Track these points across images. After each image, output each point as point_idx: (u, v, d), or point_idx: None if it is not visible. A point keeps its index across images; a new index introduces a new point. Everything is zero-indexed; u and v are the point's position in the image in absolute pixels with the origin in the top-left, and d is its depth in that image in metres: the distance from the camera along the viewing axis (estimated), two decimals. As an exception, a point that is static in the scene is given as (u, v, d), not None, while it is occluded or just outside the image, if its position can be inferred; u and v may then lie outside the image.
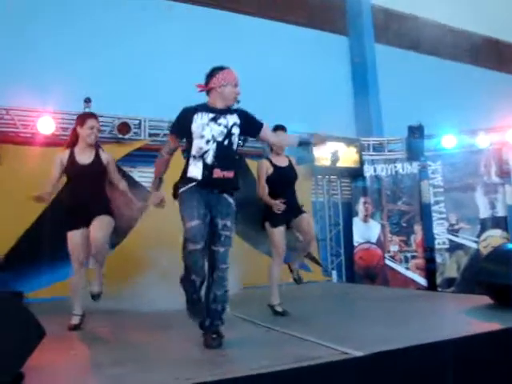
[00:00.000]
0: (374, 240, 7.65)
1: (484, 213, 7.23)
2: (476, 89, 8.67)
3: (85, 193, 3.62)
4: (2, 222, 5.46)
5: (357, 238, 7.67)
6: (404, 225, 7.59)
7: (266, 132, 3.23)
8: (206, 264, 2.90)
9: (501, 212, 7.13)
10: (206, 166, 2.92)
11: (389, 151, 7.90)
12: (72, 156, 3.68)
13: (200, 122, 2.96)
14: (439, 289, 7.21)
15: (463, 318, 3.56)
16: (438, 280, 7.31)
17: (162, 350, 2.84)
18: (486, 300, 4.03)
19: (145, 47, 6.95)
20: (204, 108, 3.04)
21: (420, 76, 8.78)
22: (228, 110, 3.06)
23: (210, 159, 2.92)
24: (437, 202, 7.46)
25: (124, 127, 6.11)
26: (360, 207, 7.71)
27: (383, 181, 7.72)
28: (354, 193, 7.81)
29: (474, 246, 7.15)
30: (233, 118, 3.05)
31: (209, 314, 2.89)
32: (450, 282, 7.21)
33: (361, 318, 3.81)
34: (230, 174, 2.98)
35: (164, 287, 4.52)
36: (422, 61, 9.34)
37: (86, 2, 6.84)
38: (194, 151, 2.95)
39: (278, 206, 3.91)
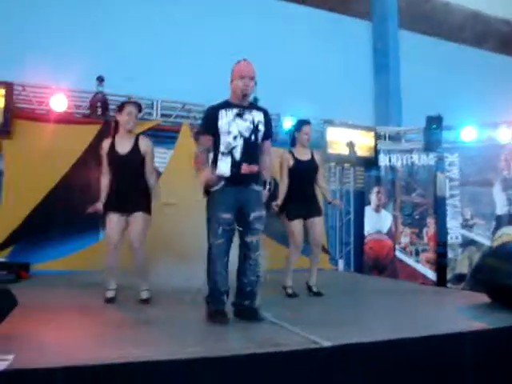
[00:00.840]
0: (385, 230, 7.53)
1: (501, 209, 6.99)
2: (501, 79, 8.31)
3: (124, 181, 3.72)
4: (14, 196, 5.65)
5: (368, 228, 7.56)
6: (417, 217, 7.43)
7: (267, 144, 3.27)
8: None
9: (518, 209, 6.89)
10: (234, 162, 3.04)
11: (405, 141, 7.71)
12: (112, 145, 3.78)
13: (226, 119, 3.06)
14: (449, 284, 7.06)
15: (452, 315, 3.49)
16: (449, 275, 7.15)
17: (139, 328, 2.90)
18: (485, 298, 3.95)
19: (160, 27, 6.95)
20: (227, 105, 3.12)
21: (443, 64, 8.49)
22: (254, 106, 3.20)
23: (238, 155, 3.04)
24: (452, 196, 7.25)
25: (135, 107, 6.15)
26: (373, 197, 7.59)
27: (398, 171, 7.55)
28: (367, 182, 7.68)
29: (487, 242, 6.93)
30: (259, 115, 3.15)
31: (239, 295, 3.12)
32: (460, 278, 7.03)
33: (352, 308, 3.77)
34: (255, 169, 3.10)
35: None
36: (446, 48, 9.01)
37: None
38: (222, 147, 3.06)
39: (273, 207, 4.00)
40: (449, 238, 7.23)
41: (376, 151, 7.50)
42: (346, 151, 7.38)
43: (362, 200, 7.64)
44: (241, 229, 3.09)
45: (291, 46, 7.81)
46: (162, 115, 6.54)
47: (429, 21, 8.67)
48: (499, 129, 6.97)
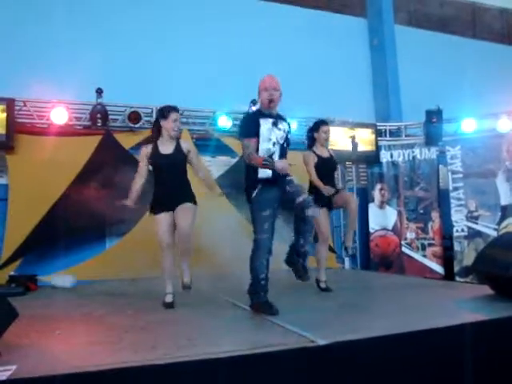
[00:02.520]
0: (390, 227, 7.53)
1: (505, 199, 6.97)
2: (499, 70, 8.26)
3: (169, 181, 3.83)
4: (19, 209, 5.73)
5: (373, 225, 7.57)
6: (421, 211, 7.42)
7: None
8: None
9: (524, 199, 6.86)
10: None
11: (406, 136, 7.70)
12: (155, 147, 3.88)
13: (266, 126, 3.42)
14: (457, 277, 7.04)
15: (452, 307, 3.49)
16: (456, 268, 7.13)
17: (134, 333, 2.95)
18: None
19: (157, 37, 7.02)
20: (262, 114, 3.50)
21: (440, 57, 8.46)
22: (282, 117, 3.57)
23: (276, 159, 3.38)
24: (455, 188, 7.24)
25: (135, 116, 6.25)
26: (376, 193, 7.59)
27: (400, 166, 7.55)
28: (370, 179, 7.68)
29: (493, 233, 6.90)
30: (286, 126, 3.56)
31: (295, 253, 3.52)
32: (468, 271, 6.99)
33: (353, 305, 3.78)
34: (288, 171, 3.43)
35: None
36: (442, 41, 8.98)
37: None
38: (262, 153, 3.39)
39: (328, 190, 4.30)
40: (454, 230, 7.22)
41: (377, 147, 7.50)
42: (347, 149, 7.38)
43: (365, 197, 7.64)
44: (288, 198, 3.40)
45: (288, 46, 7.84)
46: (162, 123, 6.59)
47: (424, 15, 8.65)
48: (500, 119, 6.93)
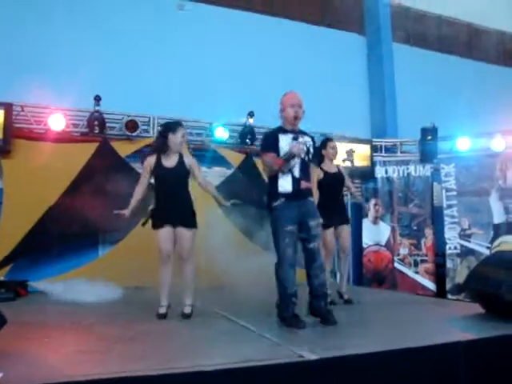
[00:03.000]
0: (383, 242, 7.55)
1: (498, 218, 7.01)
2: (494, 90, 8.37)
3: (170, 194, 3.88)
4: (12, 214, 5.71)
5: (366, 240, 7.59)
6: (414, 228, 7.45)
7: (312, 164, 3.79)
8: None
9: (516, 217, 6.90)
10: (294, 179, 3.49)
11: (401, 153, 7.76)
12: (159, 160, 3.94)
13: (285, 142, 3.51)
14: (449, 295, 7.04)
15: (442, 325, 3.50)
16: (448, 286, 7.14)
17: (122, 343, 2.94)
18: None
19: (156, 45, 7.07)
20: (282, 130, 3.61)
21: (437, 76, 8.57)
22: (304, 132, 3.67)
23: (297, 173, 3.51)
24: (449, 206, 7.28)
25: (132, 124, 6.27)
26: (370, 209, 7.62)
27: (395, 182, 7.60)
28: (365, 194, 7.72)
29: (486, 252, 6.93)
30: (309, 140, 3.64)
31: (315, 297, 3.51)
32: (460, 289, 6.99)
33: (344, 321, 3.77)
34: (310, 184, 3.63)
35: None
36: (440, 60, 9.10)
37: (98, 0, 7.02)
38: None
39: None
40: (447, 248, 7.25)
41: (372, 163, 7.55)
42: (342, 164, 7.42)
43: (359, 212, 7.66)
44: (303, 236, 3.51)
45: (287, 61, 7.92)
46: (159, 132, 6.62)
47: (422, 34, 8.77)
48: (494, 138, 7.01)
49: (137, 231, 6.07)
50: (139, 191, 4.00)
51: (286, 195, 3.47)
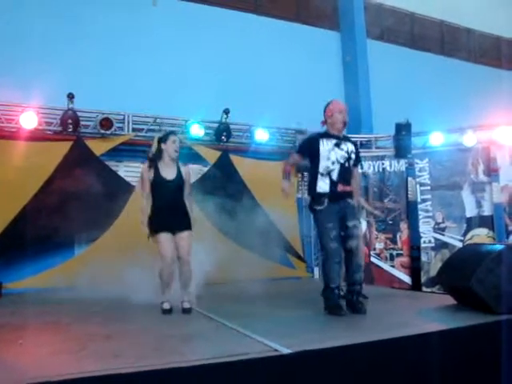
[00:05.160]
0: (360, 237, 7.62)
1: (470, 211, 7.16)
2: (466, 86, 8.56)
3: (170, 204, 4.07)
4: (-14, 214, 5.60)
5: (343, 235, 7.66)
6: (390, 222, 7.55)
7: (356, 170, 4.02)
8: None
9: (487, 211, 7.04)
10: (332, 182, 3.75)
11: (376, 148, 7.86)
12: (157, 171, 4.11)
13: (326, 147, 3.77)
14: (424, 287, 7.18)
15: (413, 317, 3.58)
16: (423, 279, 7.28)
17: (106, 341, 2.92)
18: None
19: (130, 42, 7.01)
20: (326, 135, 3.86)
21: (411, 72, 8.72)
22: (348, 139, 3.95)
23: (335, 176, 3.76)
24: (423, 200, 7.40)
25: (106, 122, 6.19)
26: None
27: (370, 178, 7.69)
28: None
29: (459, 244, 7.05)
30: (352, 146, 3.92)
31: (351, 292, 3.80)
32: (434, 281, 7.15)
33: (320, 315, 3.82)
34: (348, 188, 3.83)
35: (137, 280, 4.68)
36: (413, 57, 9.26)
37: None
38: (321, 169, 3.78)
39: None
40: (422, 241, 7.37)
41: (348, 159, 7.61)
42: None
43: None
44: (342, 235, 3.74)
45: (262, 58, 7.95)
46: (134, 129, 6.57)
47: (396, 31, 8.90)
48: (465, 134, 7.15)
49: (114, 229, 6.08)
50: (148, 205, 4.10)
51: (325, 195, 3.74)
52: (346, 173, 3.80)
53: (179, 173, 4.18)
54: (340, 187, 3.76)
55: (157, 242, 4.03)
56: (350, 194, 3.85)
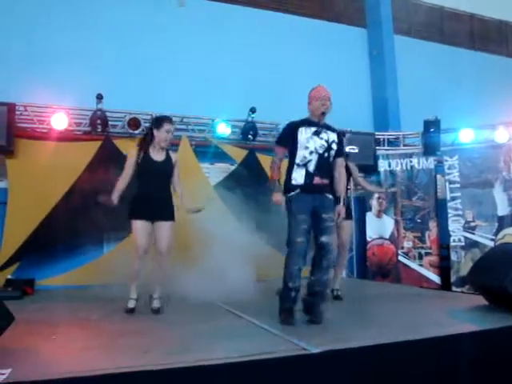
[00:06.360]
0: (387, 236, 7.54)
1: (502, 210, 6.98)
2: (497, 81, 8.32)
3: (153, 188, 3.85)
4: (17, 213, 5.75)
5: (370, 234, 7.59)
6: (418, 221, 7.44)
7: (339, 162, 3.62)
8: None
9: (520, 209, 6.88)
10: (307, 174, 3.43)
11: (405, 145, 7.74)
12: (146, 153, 3.91)
13: (305, 135, 3.44)
14: (453, 287, 7.05)
15: (444, 318, 3.51)
16: (453, 278, 7.14)
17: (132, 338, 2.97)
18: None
19: (157, 42, 7.06)
20: (306, 122, 3.52)
21: (440, 68, 8.53)
22: (330, 127, 3.56)
23: (311, 168, 3.44)
24: (453, 198, 7.26)
25: (134, 122, 6.27)
26: (374, 202, 7.62)
27: (398, 176, 7.59)
28: (368, 188, 7.69)
29: (490, 244, 6.91)
30: (333, 136, 3.53)
31: (310, 294, 3.44)
32: (464, 281, 7.01)
33: (347, 314, 3.80)
34: (327, 181, 3.50)
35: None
36: (442, 51, 9.04)
37: (99, -1, 7.04)
38: (298, 160, 3.46)
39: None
40: (451, 240, 7.24)
41: (375, 157, 7.53)
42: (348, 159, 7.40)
43: (363, 206, 7.67)
44: (315, 229, 3.43)
45: (288, 56, 7.90)
46: (162, 129, 6.62)
47: (424, 25, 8.72)
48: (497, 130, 6.97)
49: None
50: (122, 185, 3.93)
51: (299, 187, 3.43)
52: (324, 164, 3.47)
53: (169, 157, 3.97)
54: (316, 180, 3.44)
55: (132, 230, 3.83)
56: (326, 188, 3.52)
